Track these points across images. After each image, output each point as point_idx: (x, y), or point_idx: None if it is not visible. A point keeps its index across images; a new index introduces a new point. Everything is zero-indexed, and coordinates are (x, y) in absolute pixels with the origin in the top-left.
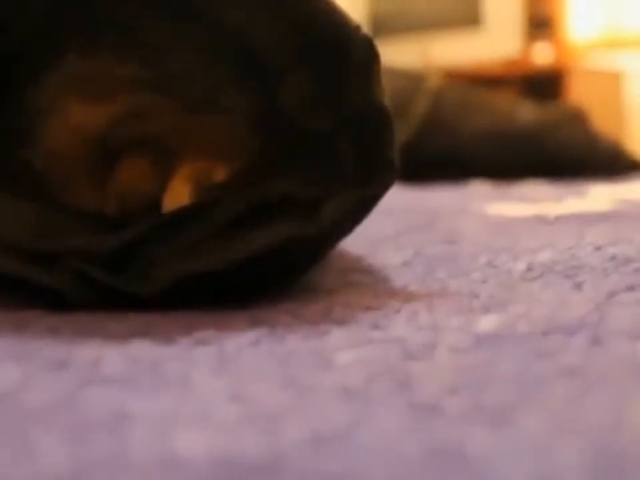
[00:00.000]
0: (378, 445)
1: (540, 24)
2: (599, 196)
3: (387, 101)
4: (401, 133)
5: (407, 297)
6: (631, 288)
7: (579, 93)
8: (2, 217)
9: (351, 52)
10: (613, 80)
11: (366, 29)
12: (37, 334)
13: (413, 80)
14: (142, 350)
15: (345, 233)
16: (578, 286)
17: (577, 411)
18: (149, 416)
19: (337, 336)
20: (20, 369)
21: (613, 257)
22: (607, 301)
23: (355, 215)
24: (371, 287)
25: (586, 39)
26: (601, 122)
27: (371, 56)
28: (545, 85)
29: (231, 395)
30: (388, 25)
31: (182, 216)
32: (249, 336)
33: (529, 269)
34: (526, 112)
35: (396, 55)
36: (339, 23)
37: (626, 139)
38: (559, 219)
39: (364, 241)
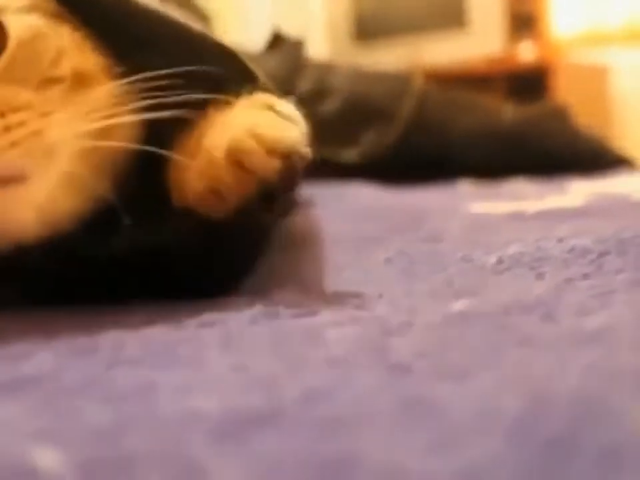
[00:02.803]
0: (360, 398)
1: (523, 22)
2: (577, 192)
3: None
4: (389, 134)
5: (388, 286)
6: (586, 276)
7: (563, 89)
8: None
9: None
10: (598, 75)
11: (351, 30)
12: (61, 326)
13: (399, 82)
14: (156, 335)
15: None
16: (540, 275)
17: (525, 370)
18: (170, 385)
19: (325, 315)
20: (53, 356)
21: (573, 249)
22: (564, 286)
23: None
24: (356, 280)
25: (569, 35)
26: (587, 117)
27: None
28: (530, 82)
29: (235, 366)
30: (372, 27)
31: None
32: (248, 315)
33: (499, 261)
34: (511, 111)
35: (381, 56)
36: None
37: (612, 133)
38: (534, 216)
39: (351, 240)
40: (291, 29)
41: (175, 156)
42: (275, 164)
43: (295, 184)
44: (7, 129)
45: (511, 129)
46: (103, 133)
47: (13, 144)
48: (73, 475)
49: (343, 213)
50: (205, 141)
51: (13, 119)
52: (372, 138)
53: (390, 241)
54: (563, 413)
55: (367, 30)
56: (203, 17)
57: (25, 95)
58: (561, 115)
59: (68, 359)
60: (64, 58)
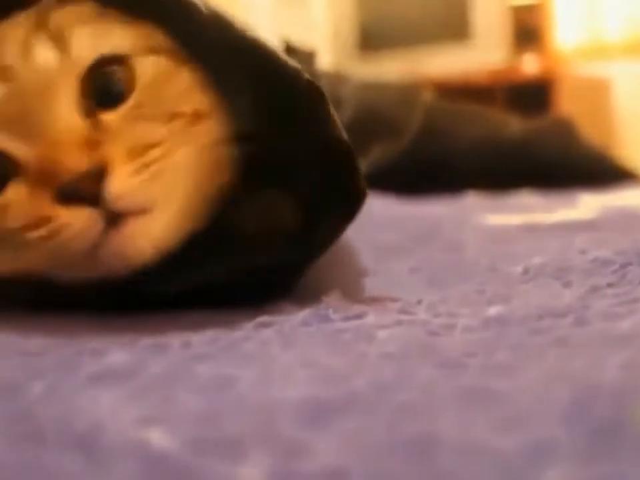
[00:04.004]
0: (424, 388)
1: (526, 35)
2: (587, 204)
3: (344, 135)
4: (397, 146)
5: (421, 293)
6: (610, 285)
7: (566, 101)
8: None
9: (299, 96)
10: (600, 87)
11: (354, 42)
12: (128, 326)
13: (407, 93)
14: (218, 334)
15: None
16: (567, 284)
17: (565, 367)
18: (247, 377)
19: (372, 318)
20: (128, 354)
21: (596, 260)
22: (590, 294)
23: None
24: (386, 287)
25: (572, 48)
26: (589, 129)
27: (317, 97)
28: (532, 94)
29: (301, 362)
30: (376, 38)
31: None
32: (300, 317)
33: (525, 271)
34: (517, 123)
35: (384, 67)
36: (285, 72)
37: (614, 145)
38: (550, 228)
39: (371, 249)
40: (294, 40)
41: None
42: None
43: None
44: (146, 165)
45: (517, 141)
46: (212, 167)
47: (151, 179)
48: (184, 450)
49: (357, 222)
50: None
51: (151, 155)
52: (380, 149)
53: (410, 250)
54: (608, 400)
55: (370, 41)
56: None
57: (158, 131)
58: (566, 128)
59: (142, 356)
60: (185, 96)
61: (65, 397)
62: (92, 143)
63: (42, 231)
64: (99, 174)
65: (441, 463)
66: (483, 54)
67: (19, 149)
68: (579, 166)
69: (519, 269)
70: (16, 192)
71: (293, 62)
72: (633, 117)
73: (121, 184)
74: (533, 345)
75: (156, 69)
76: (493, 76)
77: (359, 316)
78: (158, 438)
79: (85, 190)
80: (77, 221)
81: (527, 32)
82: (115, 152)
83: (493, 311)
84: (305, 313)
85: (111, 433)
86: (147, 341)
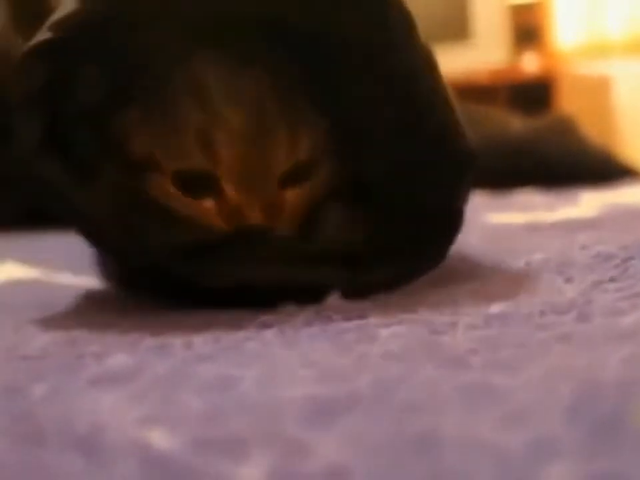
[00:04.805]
0: (426, 386)
1: (527, 34)
2: (589, 203)
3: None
4: None
5: (425, 290)
6: (612, 279)
7: (567, 99)
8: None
9: (455, 154)
10: (600, 86)
11: None
12: (130, 328)
13: None
14: (220, 335)
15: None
16: (569, 280)
17: (569, 362)
18: (249, 377)
19: (374, 317)
20: (129, 356)
21: (598, 255)
22: (593, 289)
23: (395, 282)
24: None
25: (572, 47)
26: (590, 127)
27: (469, 166)
28: (533, 93)
29: (304, 363)
30: None
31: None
32: (302, 318)
33: (528, 266)
34: (519, 122)
35: None
36: (450, 126)
37: (615, 144)
38: (552, 226)
39: None
40: None
41: None
42: None
43: None
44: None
45: (520, 140)
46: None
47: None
48: (185, 451)
49: None
50: None
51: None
52: None
53: None
54: (610, 397)
55: None
56: None
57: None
58: (568, 126)
59: (143, 358)
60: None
61: (66, 399)
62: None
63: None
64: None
65: (444, 461)
66: (483, 53)
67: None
68: (581, 164)
69: (521, 264)
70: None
71: None
72: (633, 115)
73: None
74: (535, 341)
75: None
76: (494, 75)
77: (360, 315)
78: (159, 438)
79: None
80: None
81: (527, 31)
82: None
83: (496, 308)
84: (306, 314)
85: (111, 434)
86: (148, 343)
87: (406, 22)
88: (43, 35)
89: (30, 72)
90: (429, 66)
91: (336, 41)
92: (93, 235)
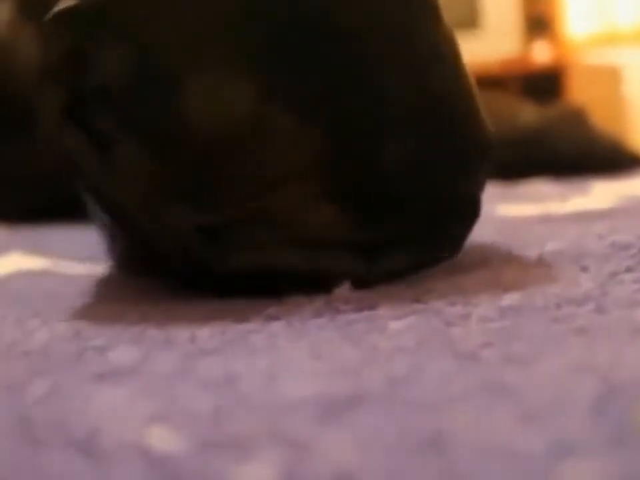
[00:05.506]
0: (438, 383)
1: (538, 23)
2: (601, 193)
3: (481, 196)
4: None
5: (435, 281)
6: (629, 269)
7: (578, 89)
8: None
9: (473, 143)
10: (611, 75)
11: None
12: (136, 320)
13: None
14: (225, 327)
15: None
16: (584, 269)
17: (586, 357)
18: (255, 372)
19: (385, 308)
20: (136, 349)
21: (613, 244)
22: (609, 279)
23: (412, 270)
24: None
25: (583, 36)
26: (601, 117)
27: (487, 155)
28: (544, 83)
29: (312, 355)
30: None
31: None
32: (310, 310)
33: (541, 257)
34: (528, 112)
35: None
36: (468, 118)
37: (626, 133)
38: (565, 217)
39: None
40: None
41: None
42: None
43: None
44: None
45: (530, 130)
46: None
47: None
48: (189, 450)
49: None
50: None
51: None
52: None
53: None
54: (630, 393)
55: None
56: None
57: None
58: (579, 116)
59: (149, 351)
60: None
61: (67, 396)
62: None
63: None
64: None
65: (456, 462)
66: (494, 43)
67: None
68: (591, 153)
69: (534, 254)
70: None
71: None
72: None
73: None
74: (550, 335)
75: None
76: (505, 65)
77: (370, 306)
78: (162, 437)
79: None
80: None
81: (538, 21)
82: None
83: (510, 299)
84: (315, 305)
85: (113, 432)
86: (152, 336)
87: (430, 8)
88: (66, 2)
89: (53, 39)
90: (452, 53)
91: (360, 30)
92: (116, 213)
